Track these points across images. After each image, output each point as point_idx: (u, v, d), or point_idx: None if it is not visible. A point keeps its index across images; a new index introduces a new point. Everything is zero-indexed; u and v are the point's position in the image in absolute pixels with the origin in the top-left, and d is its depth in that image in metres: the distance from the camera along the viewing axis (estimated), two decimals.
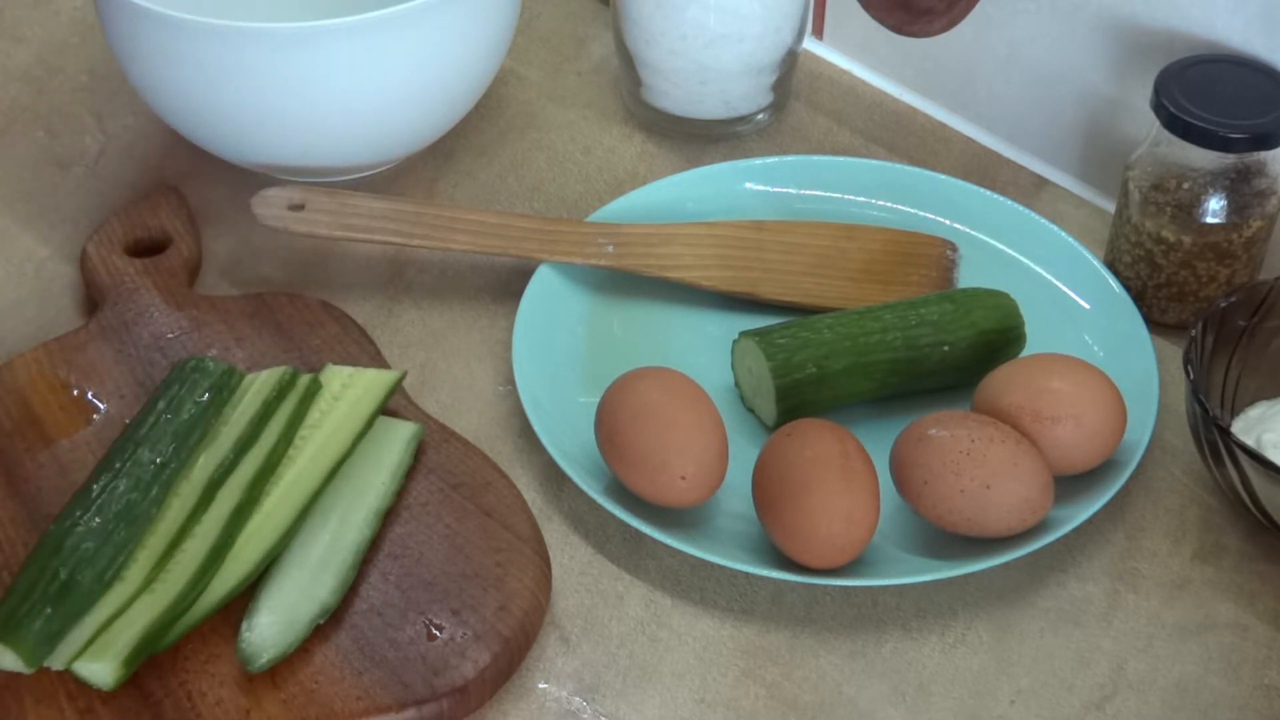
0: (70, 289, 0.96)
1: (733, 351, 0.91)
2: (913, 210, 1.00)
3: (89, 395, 0.87)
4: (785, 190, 1.01)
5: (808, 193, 1.01)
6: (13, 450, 0.85)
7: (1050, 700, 0.79)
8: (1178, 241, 0.92)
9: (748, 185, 1.01)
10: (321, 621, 0.77)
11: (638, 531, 0.84)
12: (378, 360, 0.91)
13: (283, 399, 0.84)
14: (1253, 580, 0.84)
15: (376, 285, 0.97)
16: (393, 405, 0.87)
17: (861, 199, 1.00)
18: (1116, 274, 0.95)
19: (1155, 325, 0.94)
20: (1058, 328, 0.94)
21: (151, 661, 0.76)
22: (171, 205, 0.98)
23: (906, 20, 1.06)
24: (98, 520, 0.77)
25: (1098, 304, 0.94)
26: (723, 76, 1.04)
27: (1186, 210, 0.91)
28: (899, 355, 0.89)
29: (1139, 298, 0.94)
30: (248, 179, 1.00)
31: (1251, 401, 0.88)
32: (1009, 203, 0.99)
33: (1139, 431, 0.87)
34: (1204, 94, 0.90)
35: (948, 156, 1.06)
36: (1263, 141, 0.89)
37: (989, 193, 1.00)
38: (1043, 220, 0.98)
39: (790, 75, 1.07)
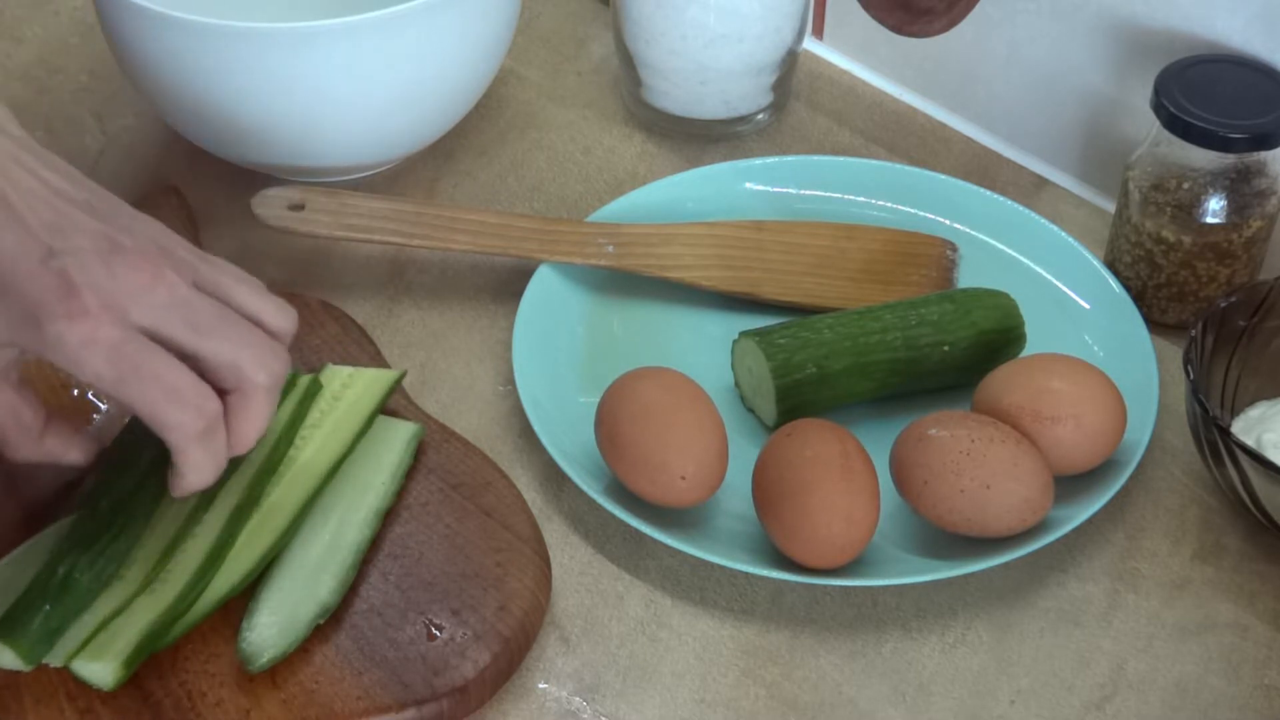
0: None
1: (733, 351, 0.91)
2: (913, 210, 1.00)
3: (89, 395, 0.87)
4: (785, 190, 1.01)
5: (808, 193, 1.01)
6: None
7: (1050, 700, 0.79)
8: (1178, 241, 0.92)
9: (748, 185, 1.01)
10: (321, 621, 0.77)
11: (638, 531, 0.84)
12: (378, 360, 0.91)
13: (283, 399, 0.84)
14: (1253, 580, 0.84)
15: (376, 285, 0.97)
16: (393, 405, 0.87)
17: (861, 199, 1.00)
18: (1116, 274, 0.95)
19: (1155, 325, 0.94)
20: (1058, 328, 0.94)
21: (151, 661, 0.76)
22: (171, 205, 0.98)
23: (906, 20, 1.06)
24: (96, 519, 0.77)
25: (1098, 304, 0.94)
26: (723, 76, 1.04)
27: (1186, 210, 0.91)
28: (899, 355, 0.89)
29: (1139, 298, 0.94)
30: (248, 179, 1.00)
31: (1251, 401, 0.88)
32: (1009, 203, 0.99)
33: (1139, 431, 0.87)
34: (1204, 94, 0.90)
35: (948, 156, 1.06)
36: (1263, 141, 0.89)
37: (989, 193, 1.00)
38: (1043, 220, 0.98)
39: (790, 75, 1.07)
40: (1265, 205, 0.92)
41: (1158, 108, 0.91)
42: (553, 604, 0.82)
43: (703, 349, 0.93)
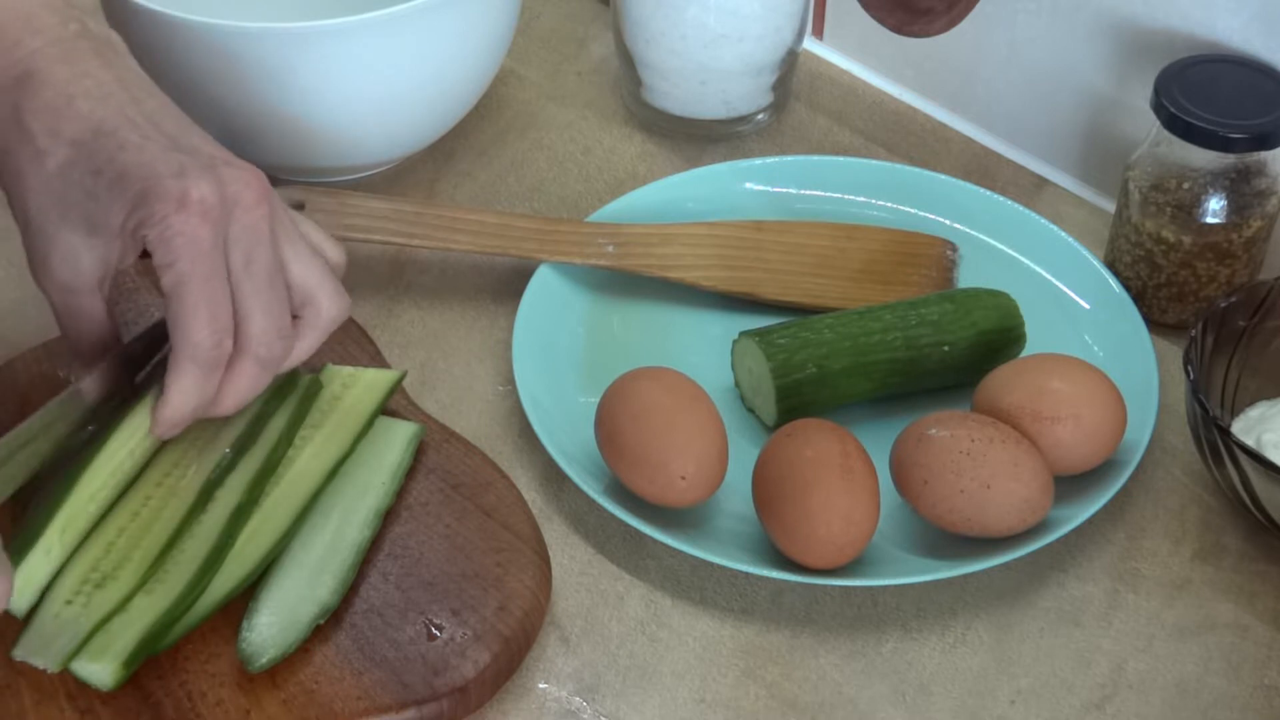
0: None
1: (733, 351, 0.91)
2: (913, 210, 1.00)
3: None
4: (785, 190, 1.01)
5: (808, 193, 1.01)
6: None
7: (1050, 700, 0.79)
8: (1178, 241, 0.92)
9: (748, 185, 1.01)
10: (321, 621, 0.77)
11: (638, 531, 0.84)
12: (378, 360, 0.91)
13: (283, 399, 0.84)
14: (1253, 580, 0.84)
15: (376, 285, 0.97)
16: (393, 405, 0.87)
17: (861, 199, 1.00)
18: (1116, 274, 0.95)
19: (1155, 325, 0.94)
20: (1058, 328, 0.94)
21: (151, 661, 0.76)
22: None
23: (906, 20, 1.06)
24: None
25: (1098, 304, 0.94)
26: (723, 76, 1.04)
27: (1186, 210, 0.91)
28: (899, 355, 0.89)
29: (1139, 298, 0.94)
30: None
31: (1251, 401, 0.88)
32: (1009, 203, 0.99)
33: (1139, 431, 0.87)
34: (1204, 94, 0.90)
35: (948, 156, 1.06)
36: (1263, 141, 0.89)
37: (989, 193, 1.00)
38: (1043, 220, 0.98)
39: (790, 75, 1.07)
40: (1265, 205, 0.92)
41: (1158, 108, 0.91)
42: (553, 604, 0.82)
43: (703, 349, 0.93)
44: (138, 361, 0.82)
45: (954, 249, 0.98)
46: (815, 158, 1.02)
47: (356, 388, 0.86)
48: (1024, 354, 0.91)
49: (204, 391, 0.77)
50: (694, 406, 0.84)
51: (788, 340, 0.88)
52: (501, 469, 0.85)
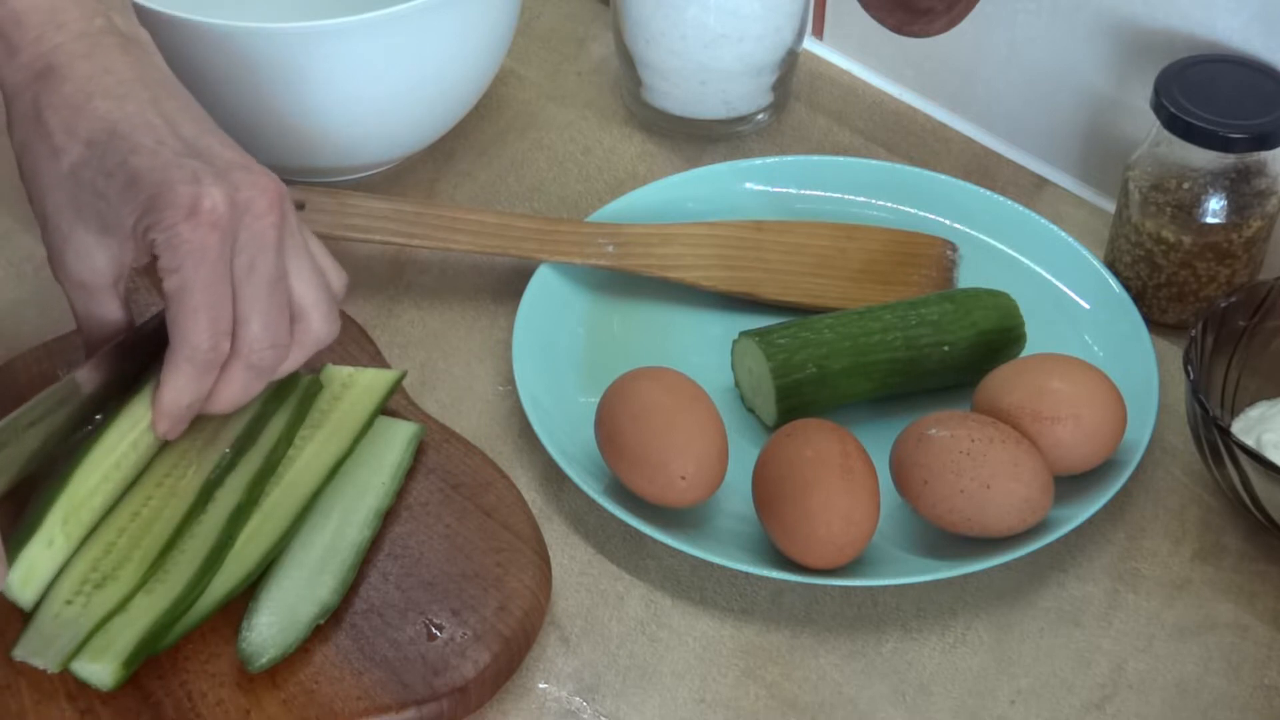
0: None
1: (733, 351, 0.91)
2: (913, 210, 1.00)
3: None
4: (785, 190, 1.01)
5: (808, 193, 1.01)
6: None
7: (1050, 700, 0.79)
8: (1178, 241, 0.92)
9: (748, 185, 1.01)
10: (321, 621, 0.77)
11: (638, 531, 0.84)
12: (378, 360, 0.91)
13: (282, 399, 0.84)
14: (1253, 580, 0.84)
15: (376, 285, 0.97)
16: (393, 405, 0.87)
17: (861, 199, 1.00)
18: (1116, 274, 0.95)
19: (1155, 325, 0.94)
20: (1058, 328, 0.94)
21: (151, 661, 0.76)
22: None
23: (906, 20, 1.06)
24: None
25: (1098, 304, 0.94)
26: (723, 76, 1.04)
27: (1186, 210, 0.91)
28: (899, 355, 0.89)
29: (1139, 298, 0.94)
30: None
31: (1251, 401, 0.88)
32: (1009, 203, 0.99)
33: (1139, 431, 0.87)
34: (1204, 94, 0.90)
35: (948, 156, 1.06)
36: (1263, 141, 0.89)
37: (989, 193, 1.00)
38: (1043, 220, 0.98)
39: (790, 75, 1.07)
40: (1265, 205, 0.92)
41: (1158, 108, 0.91)
42: (553, 604, 0.82)
43: (703, 349, 0.93)
44: (136, 352, 0.82)
45: (954, 249, 0.98)
46: (815, 158, 1.02)
47: (356, 388, 0.86)
48: (1024, 354, 0.91)
49: (198, 390, 0.77)
50: (694, 406, 0.84)
51: (788, 340, 0.88)
52: (501, 469, 0.85)
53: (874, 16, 1.08)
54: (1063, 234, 0.97)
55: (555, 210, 1.02)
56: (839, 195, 1.01)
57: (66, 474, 0.78)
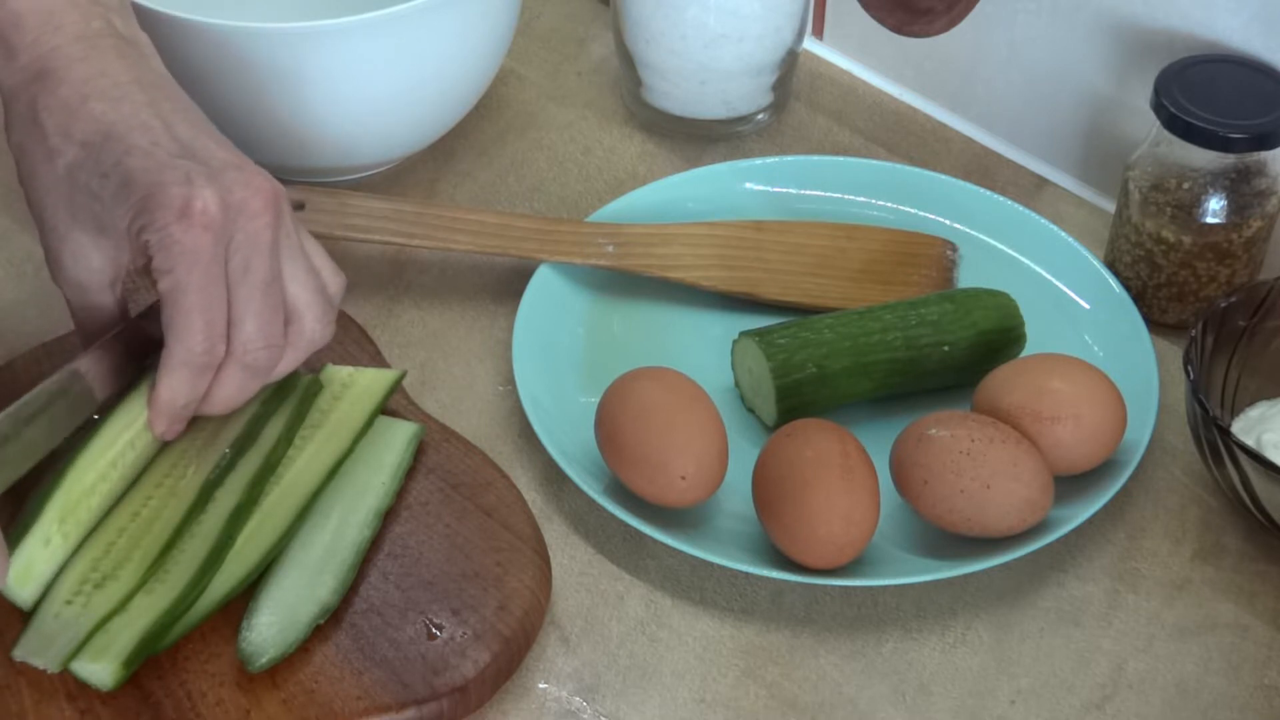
0: None
1: (733, 351, 0.91)
2: (913, 210, 1.00)
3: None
4: (785, 190, 1.01)
5: (808, 193, 1.01)
6: None
7: (1050, 700, 0.79)
8: (1178, 241, 0.92)
9: (748, 185, 1.01)
10: (321, 621, 0.77)
11: (638, 531, 0.84)
12: (378, 360, 0.91)
13: (282, 399, 0.84)
14: (1253, 580, 0.84)
15: (376, 285, 0.97)
16: (393, 405, 0.87)
17: (861, 199, 1.00)
18: (1116, 274, 0.95)
19: (1155, 325, 0.94)
20: (1058, 328, 0.94)
21: (151, 661, 0.76)
22: None
23: (906, 20, 1.06)
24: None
25: (1098, 304, 0.94)
26: (723, 76, 1.04)
27: (1186, 210, 0.91)
28: (899, 355, 0.89)
29: (1139, 298, 0.94)
30: None
31: (1251, 401, 0.88)
32: (1009, 203, 0.99)
33: (1139, 431, 0.87)
34: (1204, 94, 0.90)
35: (948, 156, 1.06)
36: (1263, 141, 0.89)
37: (989, 193, 1.00)
38: (1043, 220, 0.98)
39: (790, 75, 1.07)
40: (1265, 205, 0.92)
41: (1158, 108, 0.91)
42: (553, 604, 0.82)
43: (703, 349, 0.93)
44: (136, 342, 0.82)
45: (954, 249, 0.98)
46: (815, 158, 1.02)
47: (356, 388, 0.86)
48: (1024, 354, 0.91)
49: (193, 390, 0.78)
50: (694, 406, 0.84)
51: (788, 340, 0.88)
52: (501, 469, 0.85)
53: (874, 16, 1.08)
54: (1063, 234, 0.97)
55: (555, 210, 1.02)
56: (839, 195, 1.01)
57: (61, 471, 0.78)
